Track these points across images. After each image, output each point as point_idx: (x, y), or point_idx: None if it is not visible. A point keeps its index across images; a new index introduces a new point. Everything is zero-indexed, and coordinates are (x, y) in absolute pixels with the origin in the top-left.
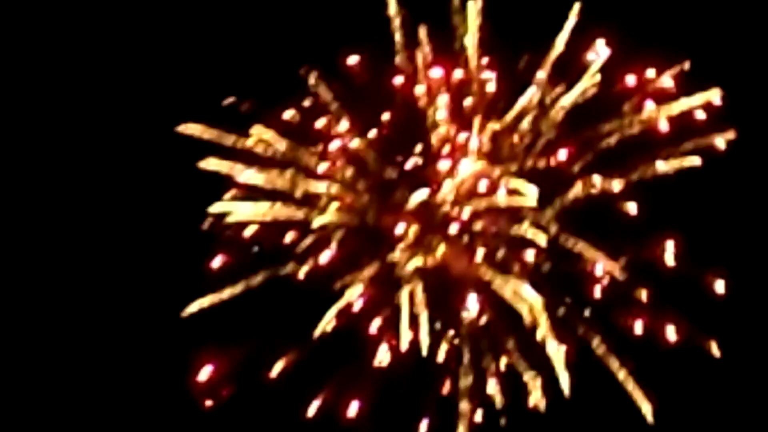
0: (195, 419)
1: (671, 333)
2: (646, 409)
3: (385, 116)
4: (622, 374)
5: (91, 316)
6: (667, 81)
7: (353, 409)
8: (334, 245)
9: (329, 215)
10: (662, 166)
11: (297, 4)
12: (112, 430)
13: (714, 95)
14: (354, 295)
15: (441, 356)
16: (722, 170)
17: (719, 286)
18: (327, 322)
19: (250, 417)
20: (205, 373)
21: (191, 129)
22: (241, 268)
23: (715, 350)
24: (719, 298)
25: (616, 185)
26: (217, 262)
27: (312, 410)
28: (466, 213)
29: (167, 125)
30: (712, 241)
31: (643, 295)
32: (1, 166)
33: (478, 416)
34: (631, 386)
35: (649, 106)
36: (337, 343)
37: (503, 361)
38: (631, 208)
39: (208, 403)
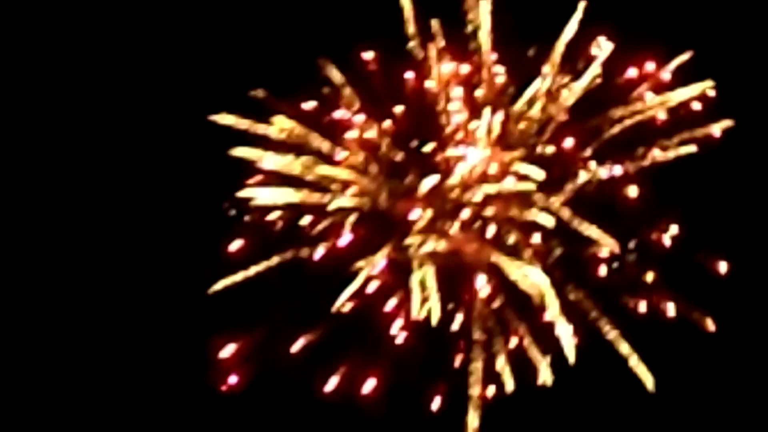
0: (215, 398)
1: (671, 309)
2: (648, 380)
3: (399, 107)
4: (625, 349)
5: (111, 299)
6: (665, 74)
7: (369, 386)
8: (347, 229)
9: (345, 200)
10: (660, 154)
11: None
12: (132, 413)
13: (708, 86)
14: (375, 269)
15: (455, 327)
16: (720, 157)
17: (721, 267)
18: (345, 300)
19: (268, 395)
20: (225, 352)
21: (224, 119)
22: (260, 250)
23: (710, 325)
24: (721, 278)
25: (618, 170)
26: (236, 245)
27: (329, 386)
28: (477, 198)
29: (187, 115)
30: (713, 223)
31: (648, 276)
32: (26, 154)
33: (489, 392)
34: (634, 361)
35: (649, 97)
36: (353, 323)
37: (513, 342)
38: (632, 192)
39: (230, 380)
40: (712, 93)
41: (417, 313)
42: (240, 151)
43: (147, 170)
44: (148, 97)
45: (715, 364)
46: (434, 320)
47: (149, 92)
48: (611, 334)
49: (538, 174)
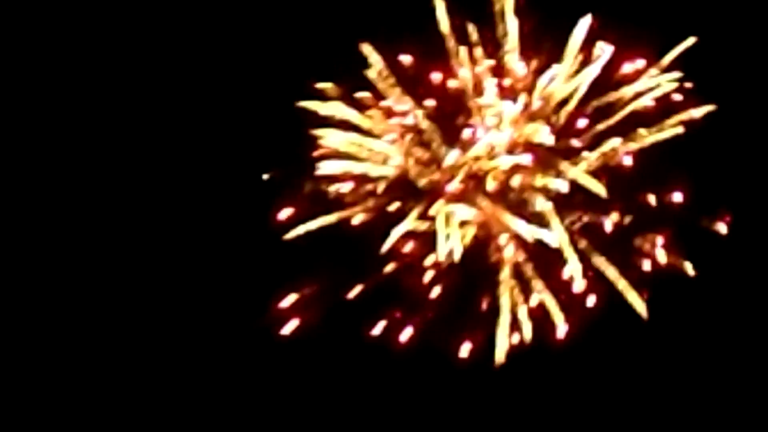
0: (270, 347)
1: (661, 256)
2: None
3: (432, 100)
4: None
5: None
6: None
7: (406, 334)
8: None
9: (381, 169)
10: (652, 135)
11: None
12: (189, 369)
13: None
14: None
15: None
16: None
17: (722, 228)
18: (391, 242)
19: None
20: (285, 302)
21: (308, 104)
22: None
23: (689, 270)
24: (723, 238)
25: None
26: (286, 212)
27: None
28: (502, 168)
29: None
30: (715, 189)
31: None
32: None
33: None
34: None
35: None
36: (393, 281)
37: (534, 298)
38: (627, 160)
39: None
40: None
41: (441, 255)
42: (323, 133)
43: (206, 144)
44: (207, 84)
45: (712, 316)
46: (457, 256)
47: (207, 79)
48: (621, 284)
49: (549, 139)
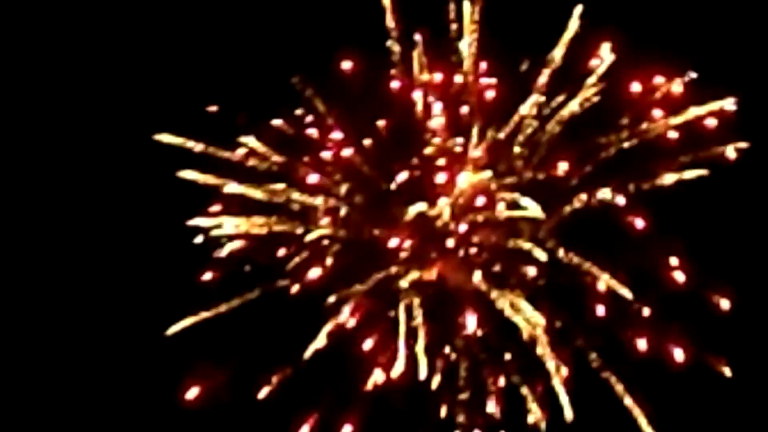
0: None
1: (678, 354)
2: (644, 423)
3: (381, 124)
4: (621, 390)
5: (78, 332)
6: (675, 88)
7: None
8: (328, 260)
9: (323, 229)
10: (670, 177)
11: (292, 9)
12: None
13: (727, 103)
14: (346, 314)
15: (437, 379)
16: (731, 181)
17: (724, 303)
18: (318, 343)
19: None
20: (193, 393)
21: (170, 139)
22: (231, 283)
23: (726, 371)
24: (724, 315)
25: (621, 200)
26: (207, 277)
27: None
28: (463, 226)
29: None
30: (717, 254)
31: (646, 311)
32: None
33: None
34: (630, 402)
35: (657, 114)
36: (329, 362)
37: (502, 379)
38: (638, 222)
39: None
40: (731, 108)
41: (401, 359)
42: (188, 174)
43: (114, 198)
44: (119, 118)
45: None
46: (422, 374)
47: (119, 112)
48: (605, 372)
49: (528, 203)
